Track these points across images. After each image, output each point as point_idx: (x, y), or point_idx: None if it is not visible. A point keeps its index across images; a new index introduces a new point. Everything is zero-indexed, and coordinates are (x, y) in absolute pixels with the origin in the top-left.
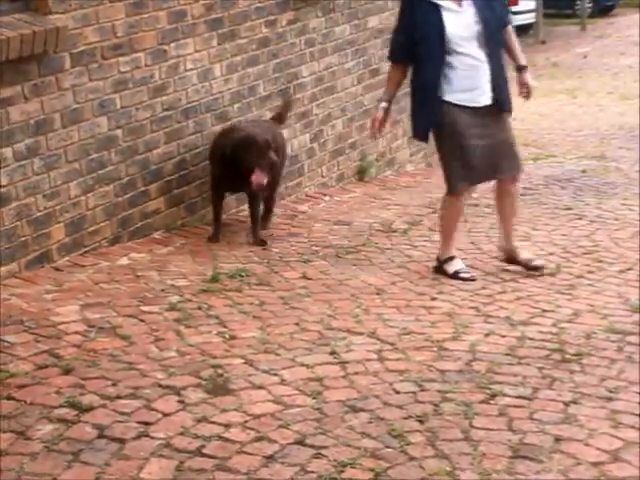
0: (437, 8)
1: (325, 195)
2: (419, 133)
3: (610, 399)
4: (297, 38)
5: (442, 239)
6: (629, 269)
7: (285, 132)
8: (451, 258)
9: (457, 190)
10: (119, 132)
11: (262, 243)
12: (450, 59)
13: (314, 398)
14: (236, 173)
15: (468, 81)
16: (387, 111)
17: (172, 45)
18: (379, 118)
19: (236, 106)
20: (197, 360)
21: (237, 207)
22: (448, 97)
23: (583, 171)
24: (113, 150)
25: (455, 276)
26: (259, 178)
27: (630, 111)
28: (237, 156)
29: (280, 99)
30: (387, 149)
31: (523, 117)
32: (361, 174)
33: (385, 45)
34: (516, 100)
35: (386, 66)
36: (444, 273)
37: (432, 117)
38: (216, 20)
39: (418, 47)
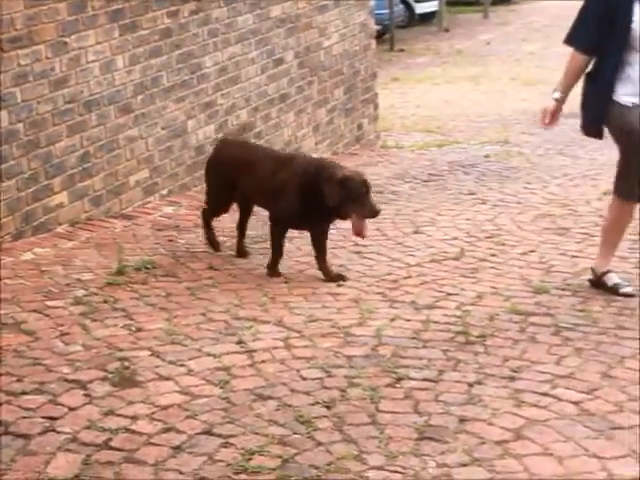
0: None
1: None
2: (590, 130)
3: (513, 379)
4: (200, 28)
5: (604, 249)
6: (531, 251)
7: (189, 123)
8: (607, 272)
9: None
10: (20, 126)
11: (339, 278)
12: (631, 57)
13: (221, 388)
14: (319, 212)
15: None
16: (560, 103)
17: (73, 37)
18: (550, 110)
19: (139, 98)
20: (103, 353)
21: (142, 199)
22: (625, 97)
23: (486, 156)
24: (14, 144)
25: (616, 292)
26: (361, 229)
27: (532, 96)
28: (335, 197)
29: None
30: (292, 138)
31: (428, 104)
32: None
33: (288, 34)
34: (422, 87)
35: (290, 55)
36: (603, 286)
37: (603, 115)
38: (117, 11)
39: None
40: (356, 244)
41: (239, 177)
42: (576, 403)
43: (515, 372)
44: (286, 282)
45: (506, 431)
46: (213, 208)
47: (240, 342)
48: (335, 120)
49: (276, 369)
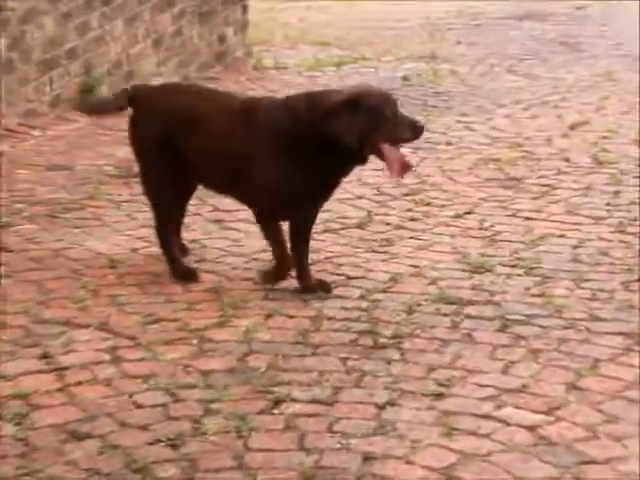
0: None
1: (33, 128)
2: None
3: (441, 396)
4: None
5: None
6: (468, 213)
7: None
8: None
9: None
10: None
11: (324, 288)
12: None
13: (17, 424)
14: (324, 176)
15: None
16: None
17: None
18: None
19: None
20: None
21: None
22: None
23: (405, 78)
24: None
25: None
26: (402, 161)
27: None
28: (354, 129)
29: None
30: (123, 57)
31: (322, 4)
32: (86, 95)
33: None
34: None
35: None
36: None
37: None
38: None
39: None
40: (216, 209)
41: (182, 147)
42: (531, 428)
43: (444, 387)
44: (113, 267)
45: (431, 472)
46: (167, 211)
47: (45, 356)
48: (185, 30)
49: (98, 394)
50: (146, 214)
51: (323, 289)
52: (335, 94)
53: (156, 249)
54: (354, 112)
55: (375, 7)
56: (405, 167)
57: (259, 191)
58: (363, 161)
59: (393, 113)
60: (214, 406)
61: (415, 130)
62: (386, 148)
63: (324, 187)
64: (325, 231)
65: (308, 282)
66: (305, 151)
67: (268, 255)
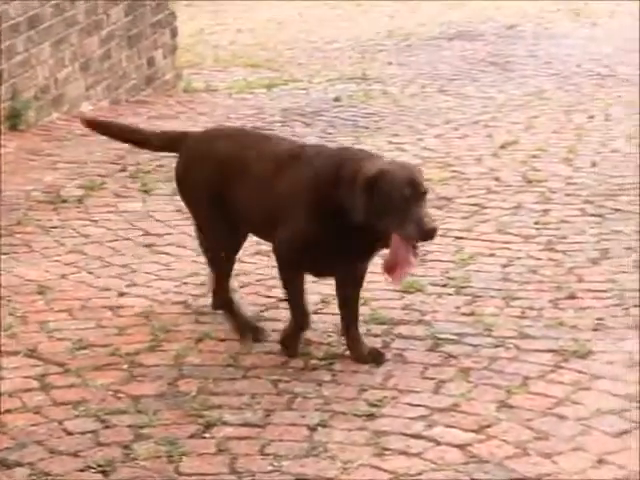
0: None
1: None
2: None
3: (372, 417)
4: None
5: None
6: None
7: None
8: None
9: None
10: None
11: (377, 358)
12: None
13: None
14: (353, 241)
15: None
16: None
17: None
18: None
19: None
20: None
21: None
22: None
23: (336, 99)
24: None
25: None
26: (395, 261)
27: (403, 12)
28: (361, 207)
29: None
30: (51, 81)
31: (253, 26)
32: (13, 120)
33: None
34: (245, 3)
35: None
36: None
37: None
38: None
39: None
40: (147, 233)
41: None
42: (462, 447)
43: (375, 407)
44: (42, 293)
45: None
46: (222, 256)
47: None
48: (113, 53)
49: (27, 421)
50: (74, 239)
51: (375, 360)
52: (365, 161)
53: (87, 275)
54: (370, 191)
55: (305, 28)
56: (400, 273)
57: (285, 235)
58: (381, 244)
59: (412, 203)
60: (145, 431)
61: (422, 231)
62: (396, 240)
63: (351, 250)
64: (256, 253)
65: (358, 352)
66: (331, 208)
67: (199, 279)
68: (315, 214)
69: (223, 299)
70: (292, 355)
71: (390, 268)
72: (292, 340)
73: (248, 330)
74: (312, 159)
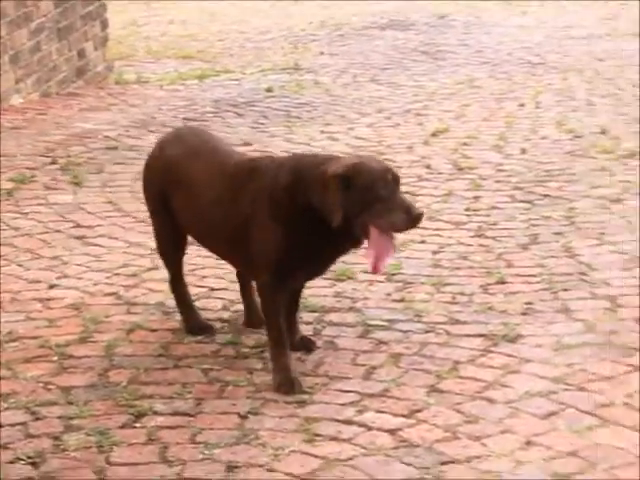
0: None
1: None
2: None
3: (303, 403)
4: None
5: None
6: None
7: None
8: None
9: None
10: None
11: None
12: None
13: None
14: (329, 243)
15: None
16: None
17: None
18: None
19: None
20: None
21: None
22: None
23: (269, 90)
24: None
25: None
26: (381, 253)
27: (336, 2)
28: (337, 207)
29: None
30: None
31: (185, 18)
32: None
33: None
34: None
35: None
36: None
37: None
38: None
39: None
40: (77, 225)
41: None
42: (392, 431)
43: (307, 394)
44: None
45: (293, 478)
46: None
47: None
48: (43, 46)
49: None
50: (4, 232)
51: (306, 348)
52: (330, 163)
53: (17, 267)
54: (344, 188)
55: (237, 19)
56: (384, 264)
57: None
58: (355, 243)
59: (389, 194)
60: (75, 422)
61: (410, 218)
62: (374, 234)
63: (317, 262)
64: (189, 244)
65: (294, 340)
66: (297, 222)
67: (130, 270)
68: (284, 226)
69: (177, 292)
70: (297, 385)
71: (374, 261)
72: (284, 367)
73: (197, 329)
74: (268, 170)
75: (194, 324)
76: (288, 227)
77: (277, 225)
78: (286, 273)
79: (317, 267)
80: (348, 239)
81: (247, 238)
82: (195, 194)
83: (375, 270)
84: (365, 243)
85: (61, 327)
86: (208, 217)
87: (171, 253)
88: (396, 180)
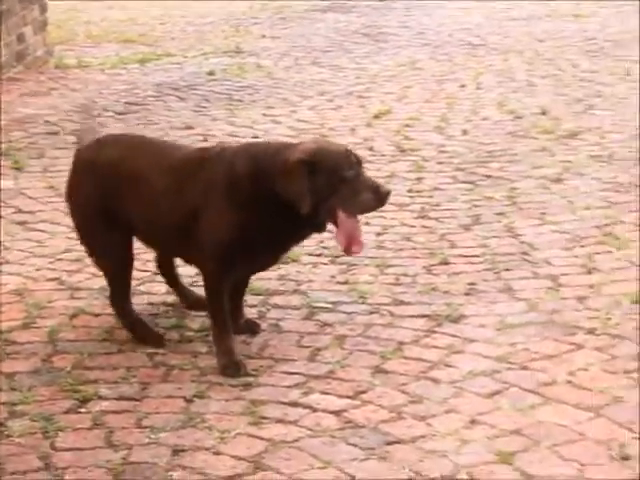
0: None
1: None
2: None
3: (248, 386)
4: None
5: None
6: None
7: None
8: None
9: None
10: None
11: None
12: None
13: None
14: (282, 234)
15: None
16: None
17: None
18: None
19: None
20: None
21: None
22: None
23: (210, 73)
24: None
25: None
26: (353, 235)
27: None
28: (304, 193)
29: None
30: None
31: (125, 2)
32: None
33: None
34: None
35: None
36: None
37: None
38: None
39: None
40: (19, 210)
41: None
42: (337, 413)
43: (252, 376)
44: None
45: (240, 461)
46: (116, 273)
47: None
48: None
49: None
50: None
51: (251, 331)
52: (290, 150)
53: None
54: (309, 174)
55: (177, 3)
56: (355, 245)
57: (210, 248)
58: (319, 228)
59: (354, 175)
60: (19, 408)
61: (378, 197)
62: (342, 217)
63: (273, 250)
64: None
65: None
66: (256, 209)
67: (72, 255)
68: (244, 214)
69: (123, 310)
70: (242, 367)
71: (348, 245)
72: (228, 350)
73: (149, 339)
74: (221, 159)
75: (145, 334)
76: (248, 215)
77: (235, 213)
78: (237, 262)
79: (274, 254)
80: (310, 224)
81: (197, 228)
82: (146, 191)
83: (351, 252)
84: (329, 226)
85: (4, 313)
86: (162, 210)
87: (120, 268)
88: (359, 161)
